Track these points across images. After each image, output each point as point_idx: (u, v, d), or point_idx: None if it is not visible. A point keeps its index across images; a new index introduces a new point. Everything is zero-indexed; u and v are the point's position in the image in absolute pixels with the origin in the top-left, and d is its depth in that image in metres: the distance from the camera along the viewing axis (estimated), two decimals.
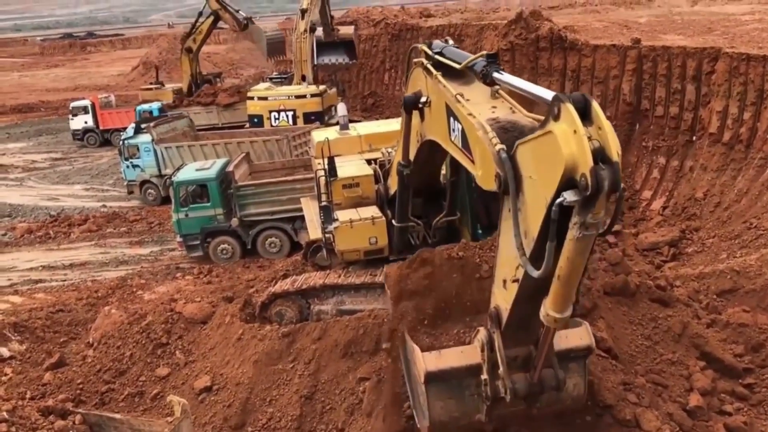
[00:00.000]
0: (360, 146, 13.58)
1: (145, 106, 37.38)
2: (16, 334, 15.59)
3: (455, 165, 10.99)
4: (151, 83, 45.61)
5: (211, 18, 39.32)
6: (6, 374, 13.98)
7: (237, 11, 39.45)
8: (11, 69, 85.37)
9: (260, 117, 32.63)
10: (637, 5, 42.78)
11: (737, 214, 18.64)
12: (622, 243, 15.24)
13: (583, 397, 7.66)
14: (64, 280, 20.93)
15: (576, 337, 7.27)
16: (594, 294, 12.11)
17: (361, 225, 12.21)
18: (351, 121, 15.27)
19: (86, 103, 42.36)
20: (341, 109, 15.57)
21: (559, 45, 25.43)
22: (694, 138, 22.07)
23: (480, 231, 11.98)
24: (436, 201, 11.94)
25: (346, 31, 37.49)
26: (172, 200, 21.80)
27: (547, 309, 5.62)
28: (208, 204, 21.23)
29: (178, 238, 21.67)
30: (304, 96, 31.90)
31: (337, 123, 15.12)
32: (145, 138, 28.44)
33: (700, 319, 12.26)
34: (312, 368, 11.10)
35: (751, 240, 16.54)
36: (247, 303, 13.46)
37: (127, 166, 28.98)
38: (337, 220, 12.27)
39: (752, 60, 19.89)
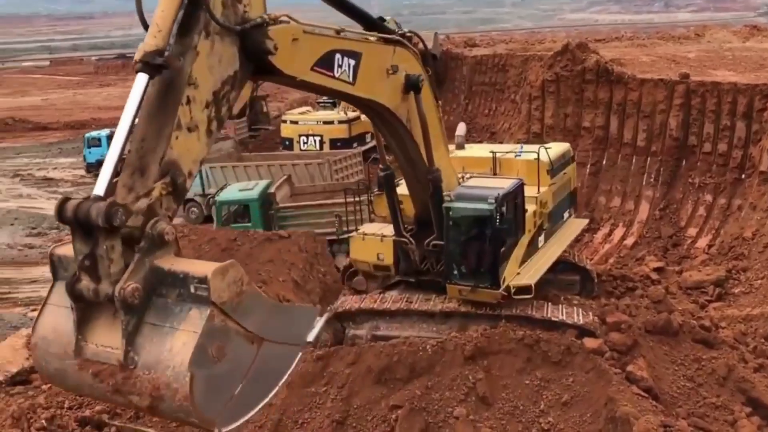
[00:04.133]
0: (455, 168, 13.41)
1: (93, 133, 36.96)
2: None
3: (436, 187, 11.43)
4: None
5: None
6: (46, 384, 14.26)
7: None
8: (67, 87, 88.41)
9: (291, 140, 33.29)
10: (687, 40, 42.30)
11: None
12: (666, 280, 14.91)
13: None
14: None
15: None
16: (635, 331, 11.83)
17: (372, 240, 12.93)
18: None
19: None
20: (460, 128, 15.70)
21: (606, 78, 25.25)
22: (743, 176, 21.57)
23: (456, 273, 11.88)
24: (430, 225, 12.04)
25: None
26: (215, 219, 22.14)
27: None
28: (250, 224, 21.48)
29: None
30: (331, 122, 32.40)
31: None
32: None
33: (747, 362, 11.85)
34: (345, 393, 11.04)
35: None
36: None
37: None
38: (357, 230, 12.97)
39: None
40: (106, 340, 5.87)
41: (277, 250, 15.46)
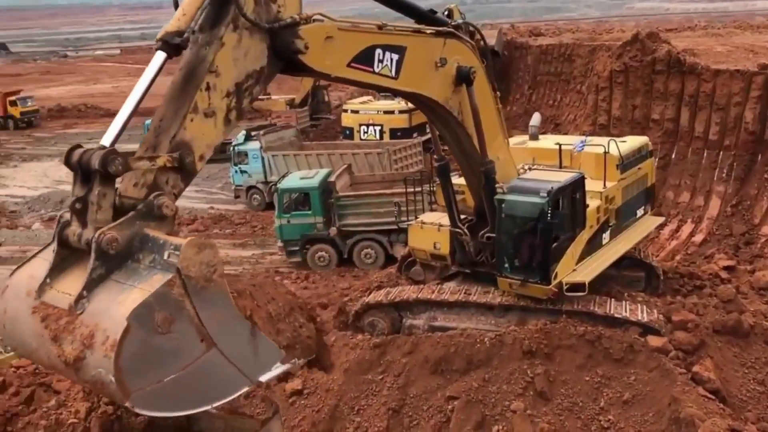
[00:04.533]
0: (524, 158, 13.38)
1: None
2: None
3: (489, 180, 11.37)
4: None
5: None
6: None
7: None
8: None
9: (351, 129, 33.45)
10: (766, 29, 40.33)
11: None
12: (736, 280, 14.30)
13: None
14: None
15: None
16: (702, 330, 11.44)
17: (429, 229, 13.00)
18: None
19: None
20: (535, 118, 15.54)
21: (677, 68, 24.32)
22: None
23: (507, 267, 11.71)
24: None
25: None
26: (276, 206, 22.52)
27: None
28: (310, 212, 21.77)
29: (279, 243, 22.34)
30: (392, 112, 32.33)
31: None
32: (254, 145, 29.58)
33: None
34: (401, 382, 11.08)
35: None
36: (341, 311, 13.65)
37: (236, 171, 30.22)
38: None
39: None
40: (70, 287, 5.94)
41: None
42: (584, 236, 12.08)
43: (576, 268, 11.90)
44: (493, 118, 11.61)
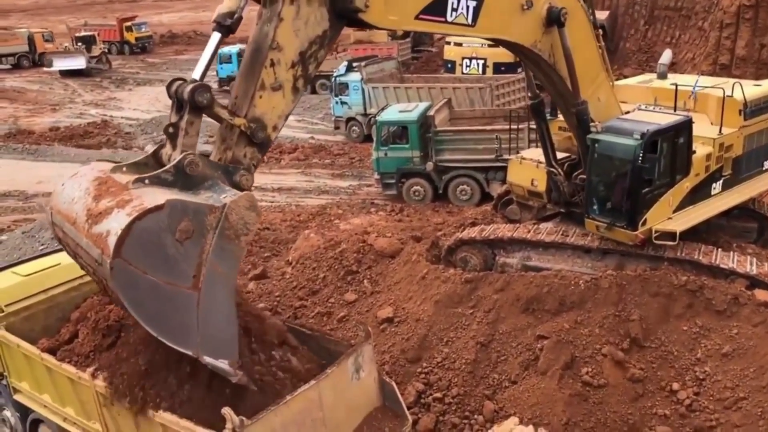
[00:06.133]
0: (646, 98, 12.88)
1: (225, 50, 36.90)
2: None
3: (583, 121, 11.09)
4: None
5: None
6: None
7: None
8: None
9: (453, 63, 32.60)
10: None
11: None
12: None
13: None
14: (272, 202, 22.85)
15: None
16: None
17: (528, 165, 13.01)
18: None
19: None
20: (665, 56, 14.91)
21: None
22: None
23: (596, 208, 11.36)
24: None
25: None
26: (374, 139, 22.66)
27: None
28: (407, 146, 21.76)
29: (376, 176, 22.59)
30: (497, 45, 31.12)
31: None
32: (355, 76, 29.63)
33: None
34: (491, 317, 11.16)
35: None
36: (434, 245, 13.77)
37: (336, 103, 30.49)
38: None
39: None
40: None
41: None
42: (686, 184, 11.47)
43: (672, 217, 11.38)
44: (593, 58, 11.16)
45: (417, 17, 8.62)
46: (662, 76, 13.60)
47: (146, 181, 6.78)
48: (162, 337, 6.67)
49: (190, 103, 6.99)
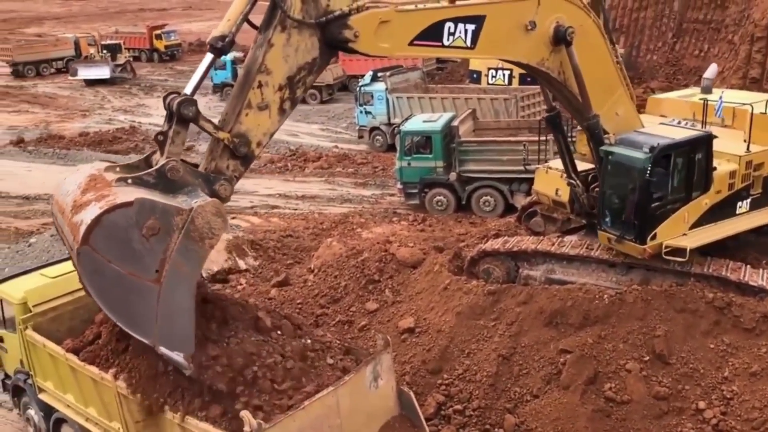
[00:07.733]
0: (684, 112, 12.80)
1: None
2: (252, 251, 17.57)
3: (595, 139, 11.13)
4: None
5: None
6: (241, 284, 15.88)
7: None
8: None
9: (479, 73, 32.46)
10: None
11: None
12: None
13: None
14: (295, 209, 22.96)
15: None
16: None
17: (553, 174, 13.02)
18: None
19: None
20: (710, 71, 14.81)
21: None
22: None
23: (608, 221, 11.32)
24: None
25: None
26: (397, 148, 22.68)
27: None
28: (431, 156, 21.75)
29: (399, 185, 22.59)
30: None
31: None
32: (379, 86, 29.72)
33: None
34: (513, 330, 11.07)
35: None
36: (456, 255, 13.71)
37: (361, 112, 30.58)
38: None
39: None
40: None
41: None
42: (705, 201, 11.27)
43: (687, 233, 11.17)
44: (608, 74, 11.10)
45: (412, 43, 8.78)
46: (706, 90, 13.43)
47: (129, 181, 7.49)
48: (122, 324, 7.22)
49: (177, 114, 7.70)
